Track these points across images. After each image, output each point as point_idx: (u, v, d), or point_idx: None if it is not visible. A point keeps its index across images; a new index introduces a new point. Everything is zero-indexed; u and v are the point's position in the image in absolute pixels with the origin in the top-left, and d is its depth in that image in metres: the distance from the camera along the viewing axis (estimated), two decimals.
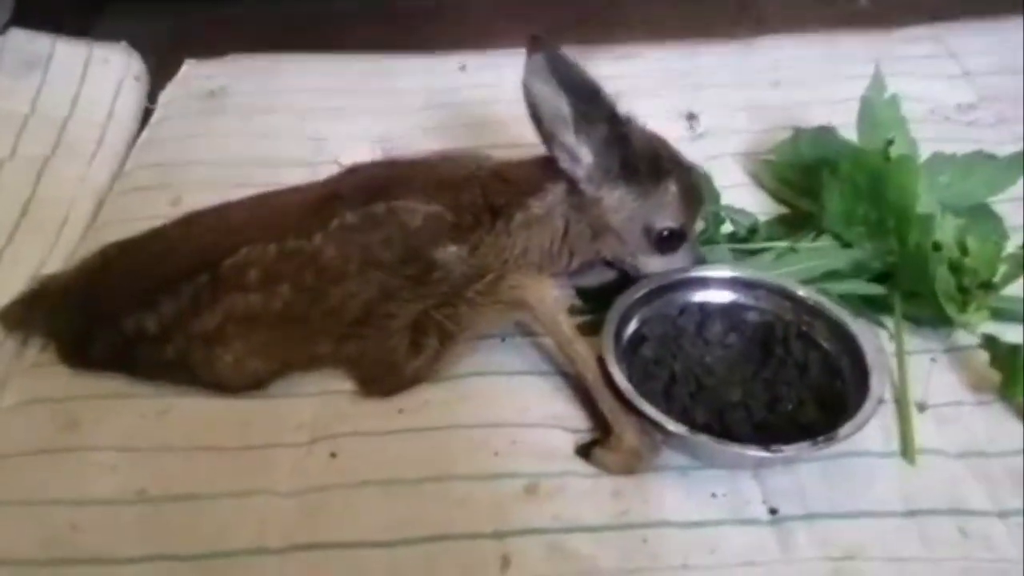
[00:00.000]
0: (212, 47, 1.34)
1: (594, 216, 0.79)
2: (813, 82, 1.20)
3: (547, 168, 0.79)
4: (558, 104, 0.75)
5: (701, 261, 0.84)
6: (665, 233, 0.80)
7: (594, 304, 0.86)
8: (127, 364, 0.82)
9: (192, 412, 0.81)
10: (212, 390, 0.81)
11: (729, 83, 1.22)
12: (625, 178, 0.78)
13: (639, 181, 0.78)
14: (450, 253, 0.78)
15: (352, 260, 0.78)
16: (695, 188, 0.81)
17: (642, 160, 0.78)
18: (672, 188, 0.79)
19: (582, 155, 0.77)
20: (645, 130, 0.81)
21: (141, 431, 0.79)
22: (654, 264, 0.82)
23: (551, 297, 0.76)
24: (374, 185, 0.81)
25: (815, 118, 1.06)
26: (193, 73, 1.31)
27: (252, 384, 0.82)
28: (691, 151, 1.09)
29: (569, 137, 0.76)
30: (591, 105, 0.75)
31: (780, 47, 1.28)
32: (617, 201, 0.79)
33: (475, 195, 0.79)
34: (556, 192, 0.79)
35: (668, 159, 0.81)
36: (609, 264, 0.85)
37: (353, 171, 0.86)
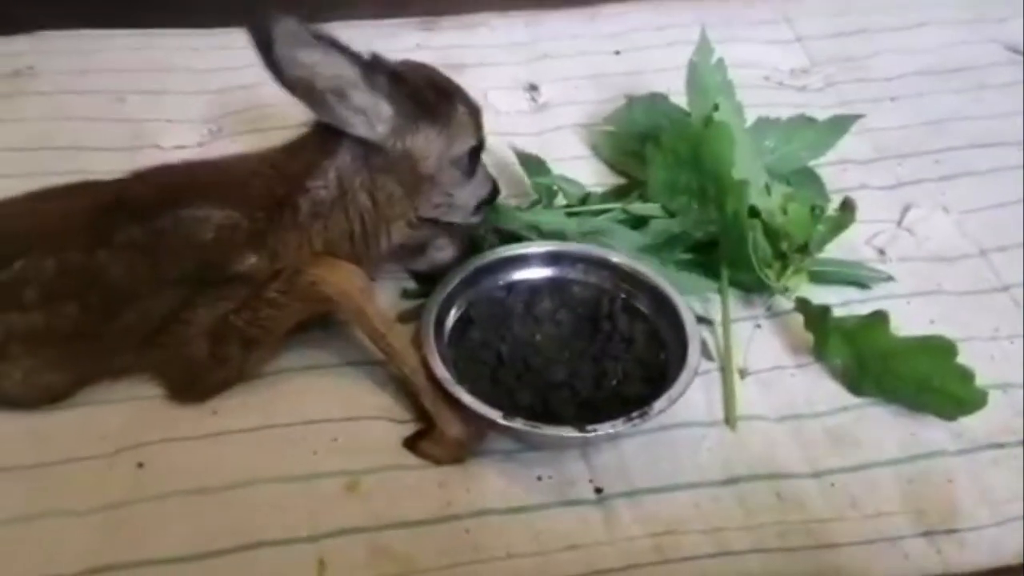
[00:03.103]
0: (18, 21, 1.21)
1: (404, 171, 0.74)
2: (654, 49, 1.20)
3: (319, 145, 0.74)
4: (339, 67, 0.68)
5: (493, 178, 0.82)
6: (467, 155, 0.77)
7: (429, 287, 0.82)
8: None
9: None
10: (2, 408, 0.74)
11: (572, 52, 1.20)
12: (423, 117, 0.74)
13: (435, 114, 0.74)
14: (251, 265, 0.72)
15: (143, 280, 0.71)
16: (471, 97, 0.78)
17: (427, 92, 0.74)
18: (461, 108, 0.76)
19: (382, 111, 0.71)
20: (405, 62, 0.76)
21: None
22: (466, 192, 0.79)
23: (355, 288, 0.71)
24: (163, 194, 0.73)
25: (655, 86, 1.05)
26: None
27: (48, 399, 0.75)
28: (532, 123, 1.09)
29: (363, 97, 0.70)
30: (357, 57, 0.70)
31: (622, 14, 1.26)
32: (423, 144, 0.74)
33: (261, 191, 0.73)
34: (340, 167, 0.73)
35: (443, 81, 0.77)
36: (425, 220, 0.80)
37: (142, 177, 0.77)
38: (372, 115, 0.71)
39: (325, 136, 0.73)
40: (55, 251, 0.70)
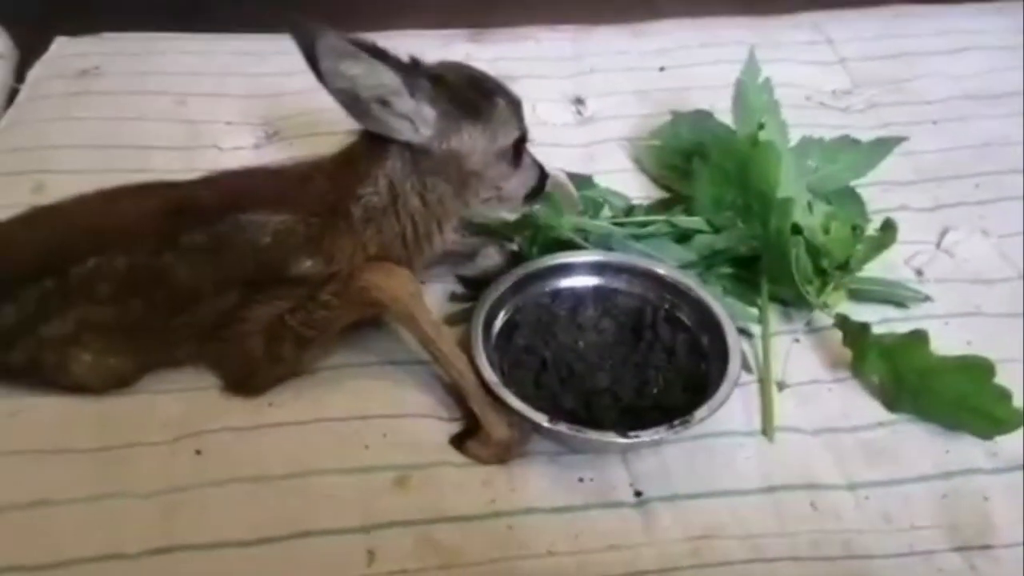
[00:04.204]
0: (85, 24, 1.27)
1: (452, 170, 0.77)
2: (698, 67, 1.21)
3: (368, 152, 0.76)
4: (380, 77, 0.70)
5: (540, 164, 0.84)
6: (512, 147, 0.79)
7: (476, 292, 0.85)
8: None
9: (47, 413, 0.77)
10: (71, 392, 0.78)
11: (617, 67, 1.22)
12: (465, 116, 0.76)
13: (477, 112, 0.76)
14: (307, 267, 0.75)
15: (204, 280, 0.75)
16: (510, 91, 0.80)
17: (467, 91, 0.76)
18: (501, 102, 0.78)
19: (426, 115, 0.73)
20: (443, 63, 0.78)
21: None
22: (514, 183, 0.81)
23: (407, 294, 0.74)
24: (224, 199, 0.77)
25: (699, 103, 1.07)
26: (64, 51, 1.24)
27: (114, 383, 0.79)
28: (577, 135, 1.11)
29: (406, 104, 0.72)
30: (399, 64, 0.72)
31: (667, 32, 1.29)
32: (468, 142, 0.76)
33: (314, 198, 0.76)
34: (389, 173, 0.76)
35: (481, 78, 0.79)
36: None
37: (204, 181, 0.81)
38: (416, 120, 0.73)
39: (373, 143, 0.76)
40: (125, 251, 0.74)
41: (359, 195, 0.76)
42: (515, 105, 0.79)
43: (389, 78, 0.70)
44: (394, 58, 0.72)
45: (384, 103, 0.72)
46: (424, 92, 0.73)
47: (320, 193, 0.76)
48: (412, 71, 0.73)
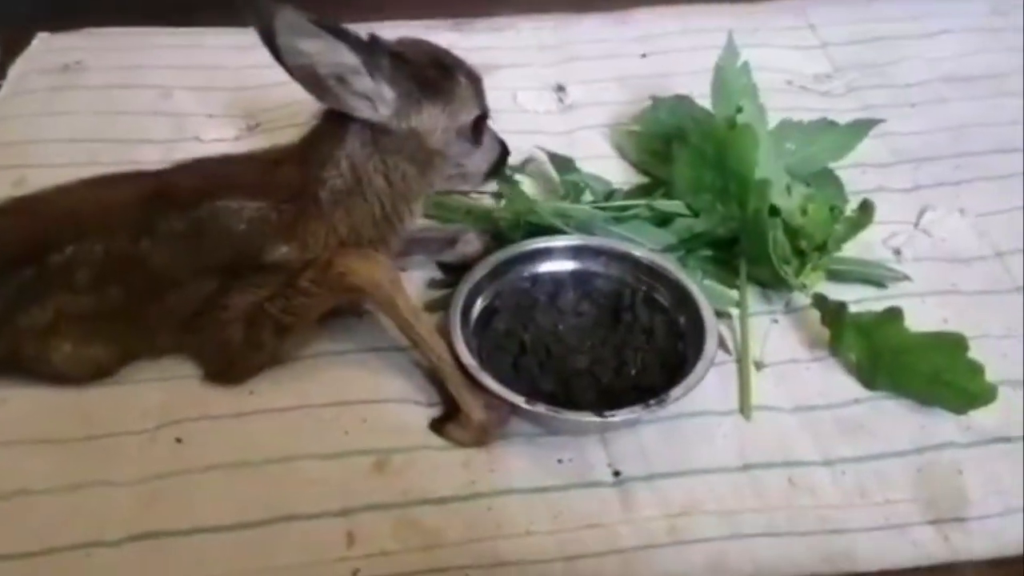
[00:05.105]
0: (68, 19, 1.27)
1: (413, 149, 0.76)
2: (680, 53, 1.22)
3: (329, 135, 0.76)
4: (339, 55, 0.69)
5: (501, 140, 0.84)
6: (472, 124, 0.78)
7: (455, 277, 0.85)
8: None
9: (30, 403, 0.77)
10: (52, 383, 0.78)
11: (598, 55, 1.23)
12: (425, 95, 0.75)
13: (437, 90, 0.75)
14: (282, 254, 0.75)
15: (182, 267, 0.75)
16: (471, 67, 0.79)
17: (428, 69, 0.76)
18: (462, 79, 0.77)
19: (385, 94, 0.73)
20: (403, 40, 0.77)
21: None
22: (476, 160, 0.81)
23: (386, 280, 0.74)
24: (200, 185, 0.77)
25: (680, 88, 1.07)
26: (46, 46, 1.24)
27: (95, 374, 0.79)
28: (559, 123, 1.12)
29: (365, 83, 0.71)
30: (358, 43, 0.70)
31: (649, 19, 1.29)
32: (428, 121, 0.75)
33: (284, 184, 0.76)
34: (351, 154, 0.75)
35: (443, 55, 0.78)
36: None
37: (184, 167, 0.81)
38: (375, 99, 0.72)
39: (333, 125, 0.76)
40: (103, 238, 0.74)
41: (324, 178, 0.76)
42: (476, 82, 0.79)
43: (348, 57, 0.69)
44: (353, 36, 0.71)
45: (342, 81, 0.71)
46: (384, 72, 0.72)
47: (289, 178, 0.76)
48: (372, 50, 0.72)
